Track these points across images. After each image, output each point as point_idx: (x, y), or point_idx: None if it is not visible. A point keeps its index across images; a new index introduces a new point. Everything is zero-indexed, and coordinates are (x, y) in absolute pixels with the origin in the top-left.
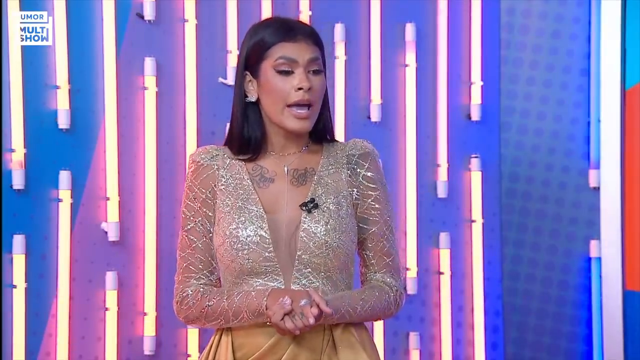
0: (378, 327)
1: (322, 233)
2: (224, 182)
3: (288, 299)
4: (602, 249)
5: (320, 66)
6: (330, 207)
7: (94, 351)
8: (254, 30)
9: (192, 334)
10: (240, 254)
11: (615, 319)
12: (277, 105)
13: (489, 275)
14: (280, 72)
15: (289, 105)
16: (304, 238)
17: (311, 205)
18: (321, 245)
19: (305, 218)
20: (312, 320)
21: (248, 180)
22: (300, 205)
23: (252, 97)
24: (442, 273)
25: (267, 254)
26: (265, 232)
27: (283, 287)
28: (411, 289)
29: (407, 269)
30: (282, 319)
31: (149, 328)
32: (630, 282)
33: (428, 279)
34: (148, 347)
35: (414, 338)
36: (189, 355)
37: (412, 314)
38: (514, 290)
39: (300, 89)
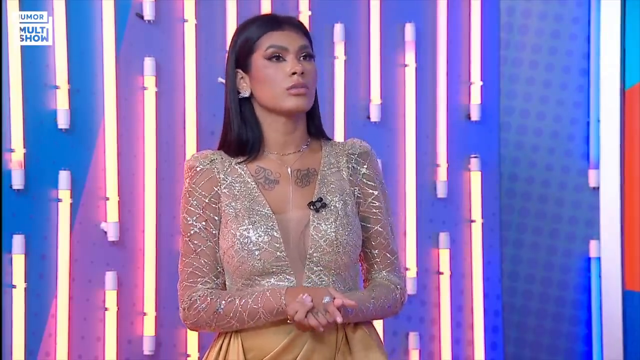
0: (377, 327)
1: (332, 231)
2: (227, 185)
3: (308, 296)
4: (602, 249)
5: (311, 52)
6: (337, 206)
7: (94, 351)
8: (239, 30)
9: (192, 334)
10: (251, 255)
11: (614, 319)
12: (273, 91)
13: (489, 275)
14: (272, 60)
15: (286, 89)
16: (315, 236)
17: (319, 204)
18: (332, 243)
19: (314, 217)
20: (339, 319)
21: (253, 183)
22: (308, 205)
23: (245, 93)
24: (442, 273)
25: (278, 253)
26: (276, 232)
27: (295, 286)
28: (411, 289)
29: (407, 269)
30: (306, 316)
31: (149, 328)
32: (630, 282)
33: (427, 279)
34: (148, 347)
35: (413, 338)
36: (188, 355)
37: (412, 314)
38: (513, 290)
39: (294, 73)
